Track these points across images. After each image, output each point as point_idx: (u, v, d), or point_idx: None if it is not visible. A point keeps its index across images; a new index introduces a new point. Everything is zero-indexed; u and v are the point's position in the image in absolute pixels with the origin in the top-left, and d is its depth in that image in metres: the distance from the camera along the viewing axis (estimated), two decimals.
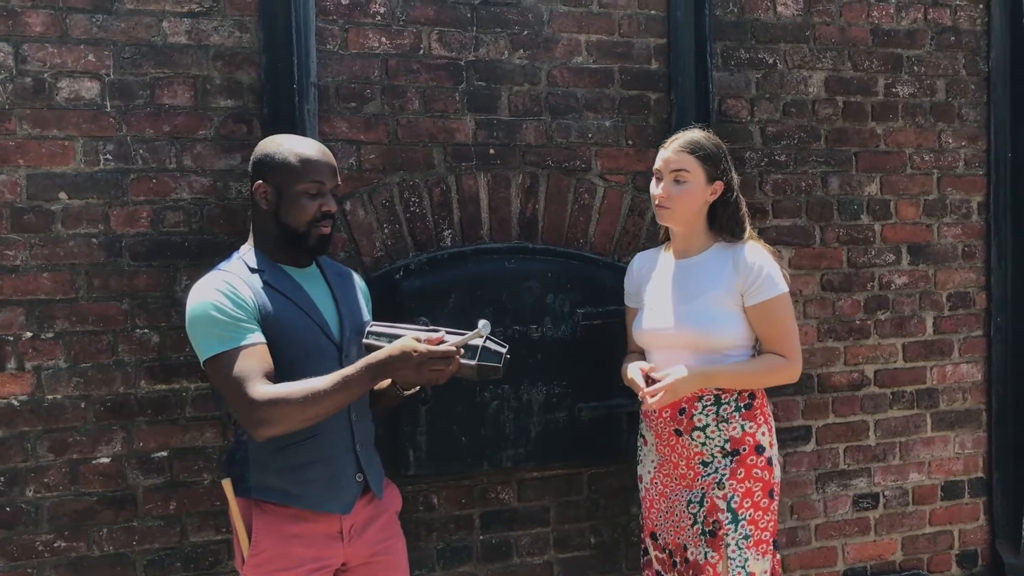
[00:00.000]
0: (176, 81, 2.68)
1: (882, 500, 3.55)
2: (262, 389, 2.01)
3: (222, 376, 2.05)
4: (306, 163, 2.18)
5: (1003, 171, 3.64)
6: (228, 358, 2.04)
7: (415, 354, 2.01)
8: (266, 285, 2.16)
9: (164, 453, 2.69)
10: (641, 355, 2.70)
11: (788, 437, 3.40)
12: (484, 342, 2.11)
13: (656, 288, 2.67)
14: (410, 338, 2.06)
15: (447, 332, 2.17)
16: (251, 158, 2.25)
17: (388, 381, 2.29)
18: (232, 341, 2.05)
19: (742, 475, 2.52)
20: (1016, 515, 3.69)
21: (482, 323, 2.08)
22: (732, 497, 2.50)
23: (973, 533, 3.70)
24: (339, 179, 2.26)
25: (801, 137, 3.39)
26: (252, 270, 2.18)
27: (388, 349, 2.04)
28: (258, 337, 2.08)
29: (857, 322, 3.49)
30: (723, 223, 2.60)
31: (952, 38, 3.58)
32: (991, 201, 3.65)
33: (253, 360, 2.05)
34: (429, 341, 2.06)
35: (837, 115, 3.43)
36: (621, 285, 2.84)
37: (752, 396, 2.57)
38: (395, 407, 2.43)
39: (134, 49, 2.64)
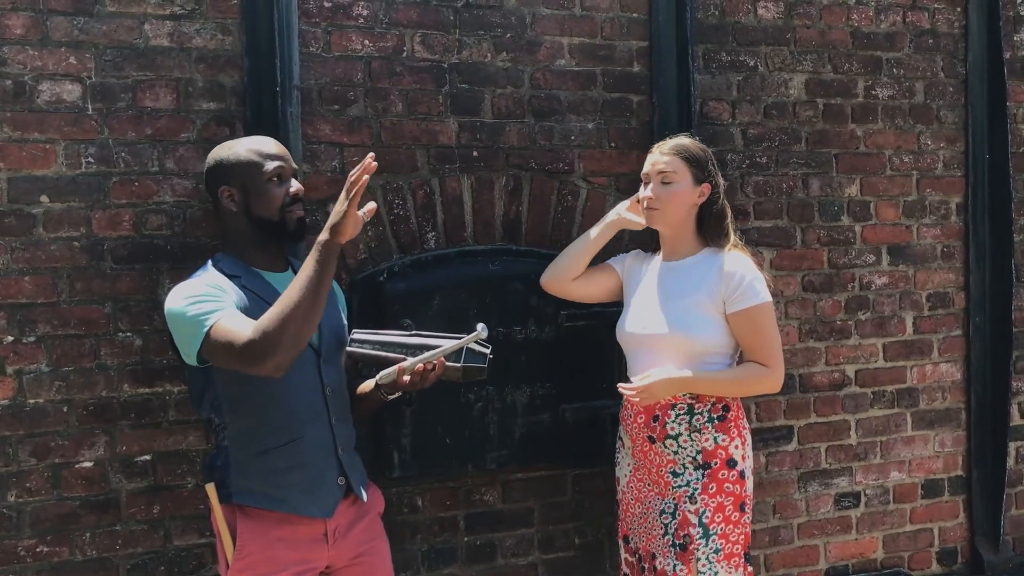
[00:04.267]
0: (158, 84, 2.67)
1: (863, 499, 3.58)
2: (248, 329, 1.99)
3: (216, 350, 2.02)
4: (262, 154, 2.22)
5: (981, 172, 3.68)
6: (212, 333, 2.03)
7: (340, 202, 2.01)
8: (244, 288, 2.16)
9: (147, 457, 2.68)
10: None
11: (770, 437, 3.42)
12: (467, 344, 2.13)
13: (641, 289, 2.68)
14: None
15: (439, 337, 2.19)
16: (206, 168, 2.28)
17: (371, 385, 2.29)
18: (214, 313, 2.05)
19: (714, 489, 2.53)
20: (995, 512, 3.72)
21: (480, 326, 2.10)
22: (704, 512, 2.51)
23: (953, 531, 3.73)
24: (295, 165, 2.30)
25: (782, 139, 3.41)
26: (229, 276, 2.18)
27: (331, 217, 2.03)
28: (234, 309, 2.08)
29: (838, 322, 3.52)
30: (710, 229, 2.62)
31: (930, 41, 3.62)
32: (969, 202, 3.68)
33: (238, 318, 2.04)
34: (415, 371, 2.15)
35: (817, 117, 3.46)
36: None
37: (726, 408, 2.57)
38: (377, 411, 2.43)
39: (116, 52, 2.63)
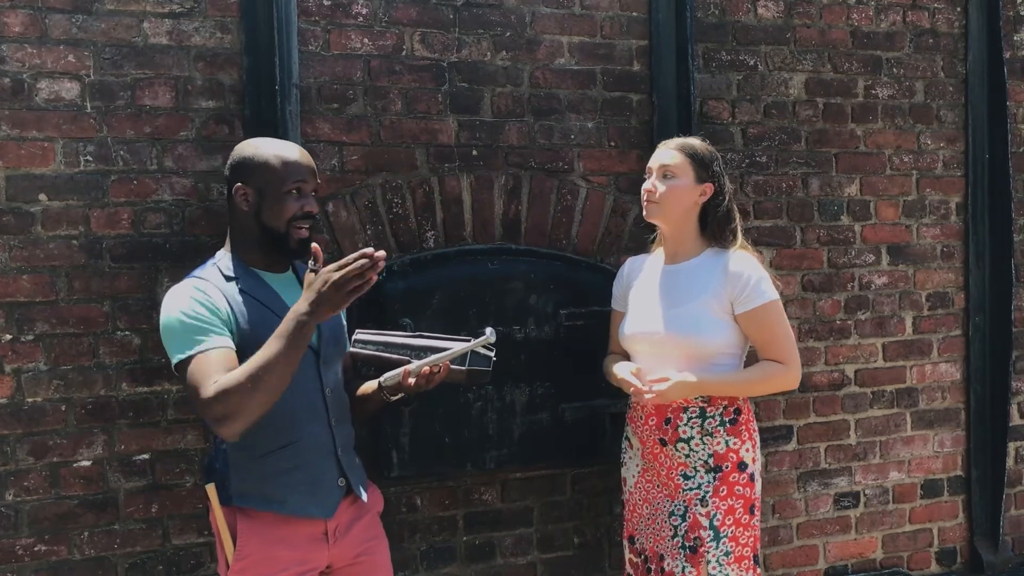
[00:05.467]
0: (157, 82, 2.67)
1: (863, 499, 3.58)
2: (212, 386, 1.96)
3: (185, 383, 2.03)
4: (288, 165, 2.17)
5: (980, 172, 3.68)
6: (188, 363, 2.02)
7: (333, 277, 1.91)
8: (242, 292, 2.15)
9: (146, 456, 2.67)
10: (624, 356, 2.71)
11: (770, 436, 3.42)
12: (471, 348, 2.13)
13: (644, 292, 2.67)
14: (331, 270, 1.95)
15: (443, 338, 2.18)
16: (229, 161, 2.24)
17: (374, 386, 2.29)
18: (194, 345, 2.03)
19: (724, 492, 2.52)
20: (994, 512, 3.72)
21: (488, 330, 2.09)
22: (715, 514, 2.51)
23: (952, 531, 3.73)
24: (319, 179, 2.26)
25: (782, 138, 3.41)
26: (227, 278, 2.16)
27: (306, 293, 1.95)
28: (224, 341, 2.05)
29: (837, 322, 3.51)
30: (714, 229, 2.61)
31: (930, 40, 3.62)
32: (969, 202, 3.68)
33: (212, 363, 2.00)
34: (421, 374, 2.12)
35: (817, 117, 3.46)
36: (603, 286, 2.86)
37: (738, 411, 2.57)
38: (378, 412, 2.42)
39: (115, 50, 2.63)
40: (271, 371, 1.93)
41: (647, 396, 2.50)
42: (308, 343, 1.98)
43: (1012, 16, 3.72)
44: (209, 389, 1.96)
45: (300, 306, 1.96)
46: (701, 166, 2.59)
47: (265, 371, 1.93)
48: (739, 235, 2.64)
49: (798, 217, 3.44)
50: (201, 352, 2.02)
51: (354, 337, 2.25)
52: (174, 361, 2.06)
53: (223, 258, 2.21)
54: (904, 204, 3.61)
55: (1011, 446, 3.75)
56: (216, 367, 1.99)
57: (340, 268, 1.93)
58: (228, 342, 2.06)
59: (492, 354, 2.14)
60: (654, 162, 2.63)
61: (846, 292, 3.52)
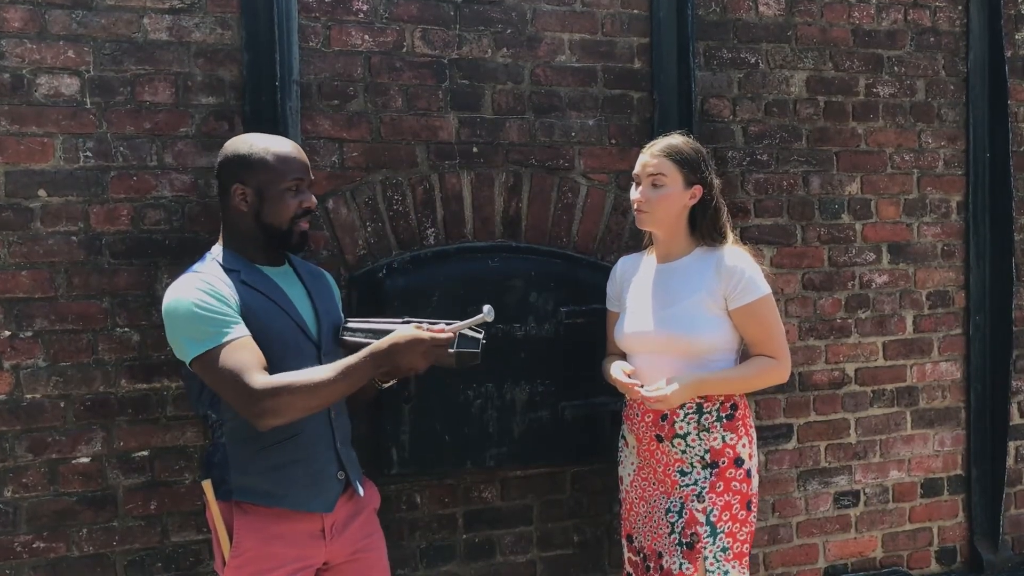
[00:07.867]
0: (157, 78, 2.66)
1: (863, 497, 3.57)
2: (262, 379, 2.00)
3: (215, 372, 2.02)
4: (285, 161, 2.18)
5: (981, 171, 3.68)
6: (217, 353, 2.02)
7: (421, 341, 2.03)
8: (243, 284, 2.15)
9: (145, 453, 2.67)
10: (621, 357, 2.70)
11: (770, 435, 3.41)
12: (460, 330, 2.10)
13: (638, 292, 2.67)
14: (412, 327, 2.07)
15: (434, 323, 2.16)
16: (220, 158, 2.22)
17: None
18: (219, 336, 2.03)
19: (721, 488, 2.52)
20: (994, 512, 3.72)
21: (486, 308, 2.07)
22: (711, 510, 2.50)
23: (952, 530, 3.73)
24: (312, 175, 2.26)
25: (783, 137, 3.40)
26: (227, 270, 2.16)
27: (393, 336, 2.05)
28: (243, 329, 2.06)
29: (838, 321, 3.51)
30: (704, 228, 2.60)
31: (932, 39, 3.61)
32: (970, 201, 3.68)
33: (245, 352, 2.03)
34: (430, 329, 2.08)
35: (818, 115, 3.45)
36: (604, 284, 2.85)
37: (734, 407, 2.57)
38: (371, 400, 2.41)
39: (115, 46, 2.62)
40: (329, 389, 2.03)
41: (647, 397, 2.49)
42: (367, 378, 2.09)
43: (1013, 15, 3.72)
44: (257, 380, 2.00)
45: (379, 345, 2.05)
46: (688, 169, 2.56)
47: (325, 387, 2.03)
48: (729, 231, 2.63)
49: (799, 215, 3.44)
50: (231, 340, 2.03)
51: (344, 325, 2.25)
52: (194, 354, 2.04)
53: (220, 253, 2.20)
54: (905, 203, 3.60)
55: (1011, 445, 3.75)
56: (251, 357, 2.03)
57: (432, 335, 2.05)
58: (246, 329, 2.08)
59: (481, 336, 2.10)
60: (640, 169, 2.59)
61: (846, 291, 3.52)
